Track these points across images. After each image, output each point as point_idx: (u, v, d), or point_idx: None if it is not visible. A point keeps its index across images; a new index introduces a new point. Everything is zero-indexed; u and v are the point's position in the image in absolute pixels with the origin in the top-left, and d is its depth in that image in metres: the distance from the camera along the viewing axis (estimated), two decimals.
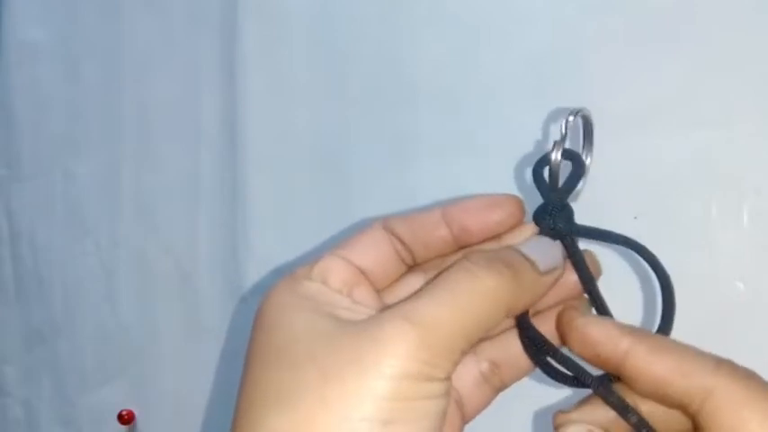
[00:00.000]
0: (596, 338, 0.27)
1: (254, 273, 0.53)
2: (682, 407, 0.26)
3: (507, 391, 0.32)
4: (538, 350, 0.31)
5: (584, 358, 0.28)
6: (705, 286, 0.38)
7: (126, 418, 0.58)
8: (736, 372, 0.25)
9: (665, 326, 0.31)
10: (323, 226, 0.49)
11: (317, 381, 0.25)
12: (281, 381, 0.26)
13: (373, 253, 0.31)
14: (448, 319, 0.26)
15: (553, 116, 0.42)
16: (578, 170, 0.33)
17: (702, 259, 0.38)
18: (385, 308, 0.27)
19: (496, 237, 0.32)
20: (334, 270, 0.30)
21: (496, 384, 0.32)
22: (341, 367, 0.25)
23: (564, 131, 0.32)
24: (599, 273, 0.33)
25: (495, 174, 0.43)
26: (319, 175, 0.50)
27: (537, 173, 0.33)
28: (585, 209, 0.41)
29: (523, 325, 0.31)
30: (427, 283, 0.27)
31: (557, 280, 0.30)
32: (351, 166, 0.49)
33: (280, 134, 0.51)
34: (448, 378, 0.26)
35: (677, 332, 0.39)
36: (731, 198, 0.38)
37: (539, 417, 0.42)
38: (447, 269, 0.28)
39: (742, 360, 0.36)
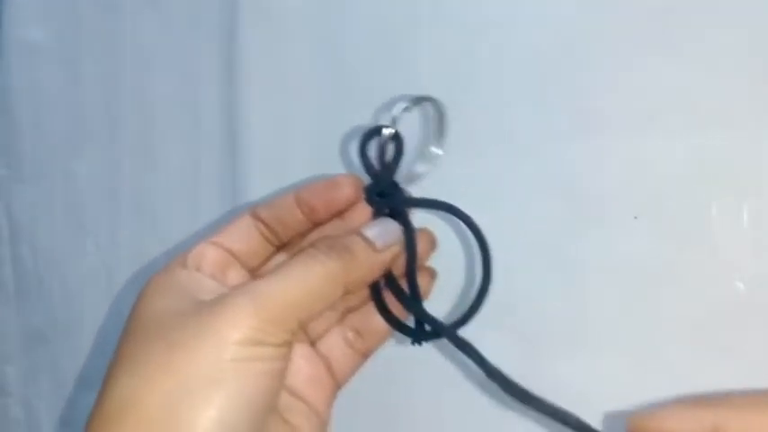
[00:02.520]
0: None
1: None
2: None
3: None
4: (390, 314, 0.37)
5: None
6: (705, 286, 0.38)
7: None
8: None
9: (485, 284, 0.38)
10: None
11: (163, 350, 0.29)
12: (134, 352, 0.31)
13: (241, 237, 0.36)
14: (282, 293, 0.30)
15: (552, 117, 0.42)
16: (399, 148, 0.38)
17: (702, 259, 0.38)
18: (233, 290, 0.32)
19: (341, 214, 0.37)
20: (207, 255, 0.35)
21: (362, 350, 0.38)
22: (185, 337, 0.29)
23: (398, 112, 0.38)
24: (434, 247, 0.40)
25: (494, 174, 0.43)
26: (319, 176, 0.50)
27: (363, 150, 0.38)
28: (586, 209, 0.41)
29: (375, 295, 0.37)
30: (278, 266, 0.32)
31: (396, 254, 0.35)
32: (351, 166, 0.49)
33: (280, 134, 0.51)
34: (284, 344, 0.30)
35: (678, 332, 0.39)
36: (731, 198, 0.38)
37: None
38: (297, 253, 0.33)
39: (742, 360, 0.36)
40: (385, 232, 0.35)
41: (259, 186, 0.52)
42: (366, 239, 0.34)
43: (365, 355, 0.38)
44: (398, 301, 0.37)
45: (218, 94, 0.53)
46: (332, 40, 0.49)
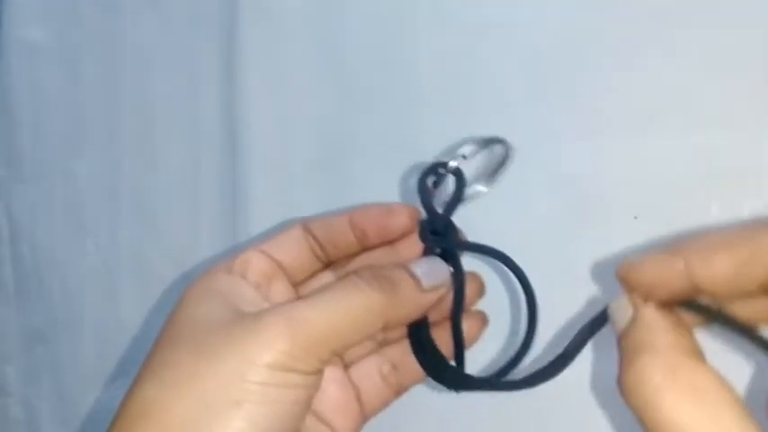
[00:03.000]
0: (654, 281, 0.26)
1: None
2: (764, 291, 0.24)
3: None
4: (425, 357, 0.35)
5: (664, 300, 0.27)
6: None
7: None
8: None
9: (529, 336, 0.35)
10: None
11: (191, 358, 0.28)
12: (164, 357, 0.30)
13: (291, 249, 0.35)
14: (319, 320, 0.29)
15: (552, 117, 0.42)
16: (460, 190, 0.36)
17: None
18: (273, 307, 0.31)
19: (392, 242, 0.35)
20: (254, 263, 0.34)
21: (395, 386, 0.36)
22: (214, 348, 0.28)
23: (468, 153, 0.36)
24: (482, 293, 0.37)
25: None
26: (319, 175, 0.50)
27: (422, 185, 0.36)
28: (587, 209, 0.41)
29: (413, 334, 0.35)
30: (317, 290, 0.31)
31: (442, 296, 0.33)
32: (351, 166, 0.49)
33: (280, 134, 0.51)
34: (314, 373, 0.29)
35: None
36: (731, 198, 0.38)
37: None
38: (339, 279, 0.32)
39: (743, 360, 0.36)
40: (433, 272, 0.33)
41: (259, 186, 0.52)
42: (413, 276, 0.32)
43: (398, 392, 0.36)
44: (424, 352, 0.35)
45: (218, 94, 0.53)
46: (332, 40, 0.49)
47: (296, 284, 0.35)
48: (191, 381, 0.28)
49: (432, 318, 0.35)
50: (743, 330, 0.26)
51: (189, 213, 0.56)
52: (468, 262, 0.37)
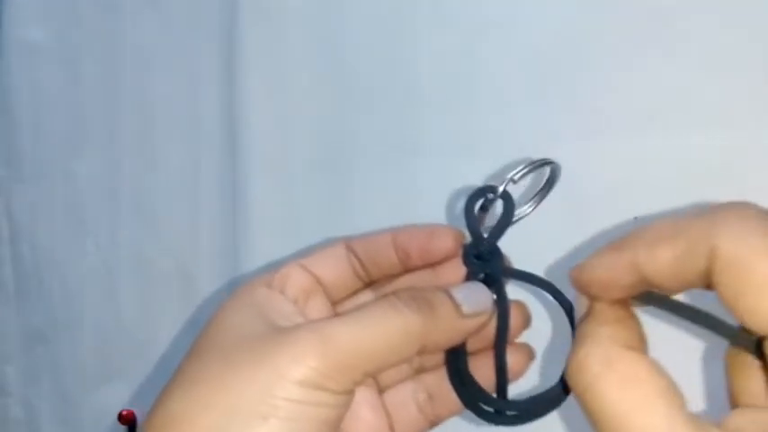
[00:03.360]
0: (604, 280, 0.27)
1: (255, 273, 0.53)
2: (705, 282, 0.24)
3: None
4: (463, 388, 0.33)
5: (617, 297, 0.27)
6: None
7: (126, 418, 0.58)
8: (730, 218, 0.24)
9: None
10: (323, 226, 0.49)
11: (219, 369, 0.28)
12: (194, 367, 0.29)
13: (332, 266, 0.34)
14: (353, 339, 0.28)
15: (552, 117, 0.42)
16: (508, 215, 0.34)
17: None
18: (307, 323, 0.30)
19: (435, 265, 0.34)
20: (293, 278, 0.33)
21: (430, 416, 0.34)
22: (243, 360, 0.28)
23: (517, 176, 0.33)
24: (527, 324, 0.35)
25: (495, 174, 0.43)
26: (319, 175, 0.50)
27: (469, 209, 0.34)
28: (587, 209, 0.41)
29: (451, 362, 0.33)
30: (354, 309, 0.30)
31: (483, 324, 0.31)
32: (351, 166, 0.49)
33: (280, 134, 0.51)
34: (344, 393, 0.28)
35: (679, 334, 0.39)
36: (731, 198, 0.38)
37: None
38: (377, 299, 0.31)
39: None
40: (475, 297, 0.31)
41: (259, 186, 0.52)
42: (453, 300, 0.31)
43: (433, 423, 0.34)
44: (462, 382, 0.33)
45: (218, 94, 0.53)
46: (332, 40, 0.49)
47: (334, 302, 0.34)
48: (218, 393, 0.27)
49: (472, 347, 0.33)
50: (690, 313, 0.26)
51: (189, 213, 0.56)
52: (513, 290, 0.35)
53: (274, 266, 0.33)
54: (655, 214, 0.39)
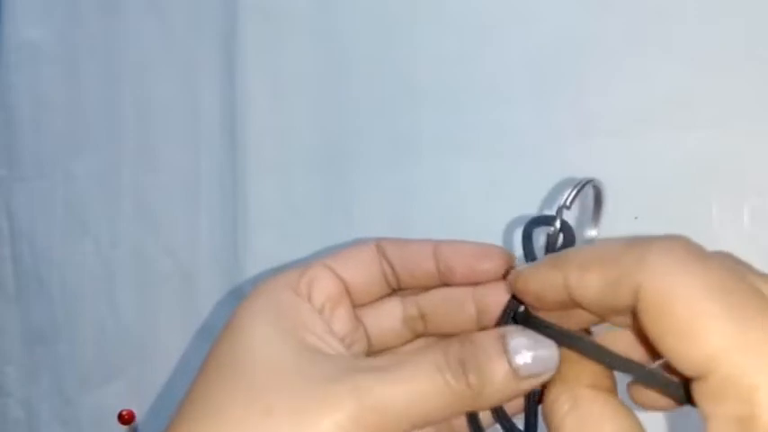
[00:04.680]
0: (538, 292, 0.26)
1: (255, 273, 0.53)
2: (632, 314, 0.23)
3: None
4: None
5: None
6: None
7: (126, 418, 0.58)
8: (659, 255, 0.23)
9: None
10: (323, 226, 0.49)
11: (240, 406, 0.26)
12: (211, 393, 0.27)
13: (361, 269, 0.31)
14: (394, 406, 0.26)
15: (552, 117, 0.42)
16: (569, 241, 0.30)
17: None
18: (344, 367, 0.27)
19: (477, 284, 0.31)
20: (321, 281, 0.30)
21: None
22: (274, 401, 0.26)
23: (569, 202, 0.31)
24: None
25: (495, 174, 0.43)
26: (319, 175, 0.50)
27: (527, 239, 0.31)
28: (587, 209, 0.41)
29: (471, 415, 0.30)
30: (395, 359, 0.28)
31: (539, 385, 0.27)
32: (351, 165, 0.49)
33: (280, 134, 0.51)
34: None
35: None
36: (732, 198, 0.38)
37: None
38: (418, 352, 0.28)
39: None
40: (537, 356, 0.27)
41: (259, 186, 0.52)
42: (509, 360, 0.26)
43: None
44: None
45: (218, 94, 0.53)
46: (332, 40, 0.49)
47: (359, 307, 0.32)
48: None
49: None
50: (572, 339, 0.26)
51: (189, 213, 0.56)
52: None
53: (297, 264, 0.31)
54: (655, 214, 0.39)
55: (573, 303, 0.25)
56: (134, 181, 0.58)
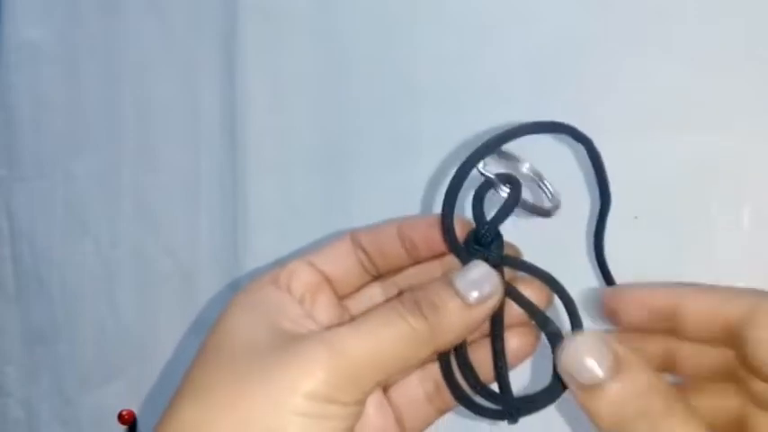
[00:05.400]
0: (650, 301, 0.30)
1: (255, 273, 0.53)
2: (728, 338, 0.28)
3: None
4: (454, 386, 0.31)
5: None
6: None
7: (126, 418, 0.58)
8: None
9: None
10: (323, 226, 0.49)
11: (230, 382, 0.28)
12: (203, 377, 0.29)
13: (339, 261, 0.33)
14: (363, 350, 0.28)
15: (552, 117, 0.42)
16: (513, 199, 0.32)
17: (702, 259, 0.38)
18: (314, 332, 0.30)
19: (443, 255, 0.33)
20: (300, 275, 0.32)
21: (440, 405, 0.33)
22: (254, 374, 0.27)
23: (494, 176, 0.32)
24: (549, 300, 0.33)
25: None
26: (319, 175, 0.50)
27: (476, 203, 0.32)
28: (587, 209, 0.41)
29: (442, 358, 0.31)
30: (361, 315, 0.30)
31: (490, 311, 0.30)
32: (351, 165, 0.49)
33: (280, 134, 0.51)
34: (356, 403, 0.28)
35: None
36: (731, 198, 0.38)
37: None
38: (382, 304, 0.30)
39: None
40: (480, 281, 0.29)
41: (259, 186, 0.52)
42: (458, 293, 0.29)
43: (441, 412, 0.34)
44: (464, 379, 0.31)
45: (218, 94, 0.53)
46: (332, 40, 0.49)
47: (342, 297, 0.34)
48: (229, 406, 0.27)
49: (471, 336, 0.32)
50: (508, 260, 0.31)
51: (189, 213, 0.56)
52: None
53: (280, 263, 0.33)
54: (655, 214, 0.39)
55: (671, 317, 0.29)
56: (134, 181, 0.58)
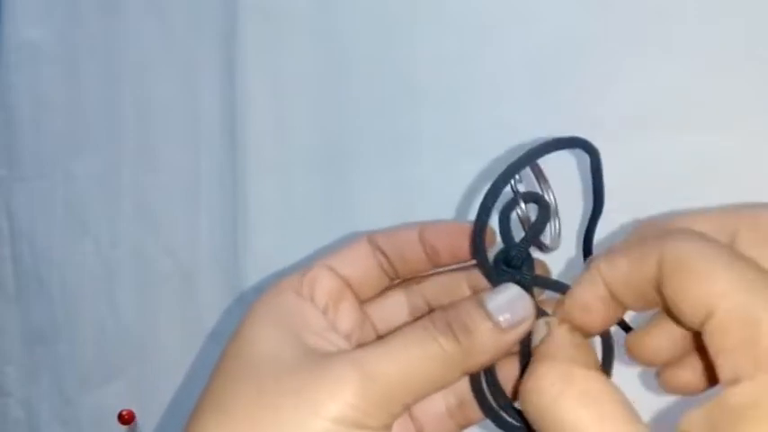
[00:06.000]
0: (583, 297, 0.28)
1: (254, 273, 0.53)
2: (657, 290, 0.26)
3: None
4: (484, 402, 0.31)
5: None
6: None
7: (126, 418, 0.58)
8: (678, 233, 0.25)
9: (607, 368, 0.31)
10: (323, 226, 0.49)
11: (252, 399, 0.27)
12: (225, 391, 0.28)
13: (358, 264, 0.33)
14: (394, 374, 0.27)
15: (552, 117, 0.42)
16: (544, 216, 0.31)
17: None
18: (343, 350, 0.29)
19: (465, 262, 0.32)
20: (322, 282, 0.32)
21: (461, 420, 0.33)
22: (278, 393, 0.27)
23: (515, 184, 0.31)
24: None
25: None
26: (319, 175, 0.50)
27: (503, 220, 0.32)
28: (586, 209, 0.41)
29: (473, 377, 0.31)
30: (389, 334, 0.29)
31: (522, 335, 0.29)
32: (351, 165, 0.49)
33: (280, 134, 0.51)
34: (383, 428, 0.27)
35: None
36: (731, 198, 0.38)
37: None
38: (411, 324, 0.29)
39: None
40: (513, 306, 0.29)
41: (259, 186, 0.52)
42: (490, 316, 0.29)
43: (462, 427, 0.33)
44: (492, 397, 0.31)
45: (218, 94, 0.53)
46: (332, 40, 0.49)
47: (363, 302, 0.33)
48: (252, 424, 0.27)
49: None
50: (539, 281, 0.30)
51: (189, 213, 0.56)
52: None
53: (299, 268, 0.32)
54: (654, 214, 0.39)
55: (613, 304, 0.27)
56: (134, 181, 0.58)
